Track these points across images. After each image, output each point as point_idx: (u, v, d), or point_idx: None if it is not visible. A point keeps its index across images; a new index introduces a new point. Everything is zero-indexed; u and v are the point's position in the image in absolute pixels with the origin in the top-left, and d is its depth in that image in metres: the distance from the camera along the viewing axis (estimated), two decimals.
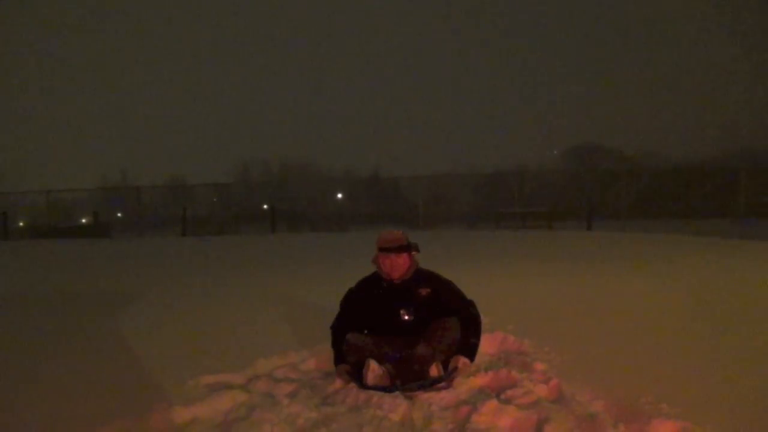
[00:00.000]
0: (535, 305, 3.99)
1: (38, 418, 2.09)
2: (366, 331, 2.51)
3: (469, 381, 2.38)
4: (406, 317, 2.48)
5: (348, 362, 2.40)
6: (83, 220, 23.14)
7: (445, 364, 2.36)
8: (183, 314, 4.02)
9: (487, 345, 2.88)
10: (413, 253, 2.56)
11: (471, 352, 2.44)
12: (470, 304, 2.61)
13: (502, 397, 2.16)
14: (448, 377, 2.28)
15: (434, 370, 2.29)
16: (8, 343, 3.26)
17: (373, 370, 2.27)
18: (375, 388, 2.23)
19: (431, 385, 2.26)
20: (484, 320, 2.77)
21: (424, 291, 2.51)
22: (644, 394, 2.14)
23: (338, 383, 2.37)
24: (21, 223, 20.18)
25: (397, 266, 2.50)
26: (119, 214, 23.77)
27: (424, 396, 2.19)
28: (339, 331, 2.53)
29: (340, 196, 24.52)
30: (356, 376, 2.33)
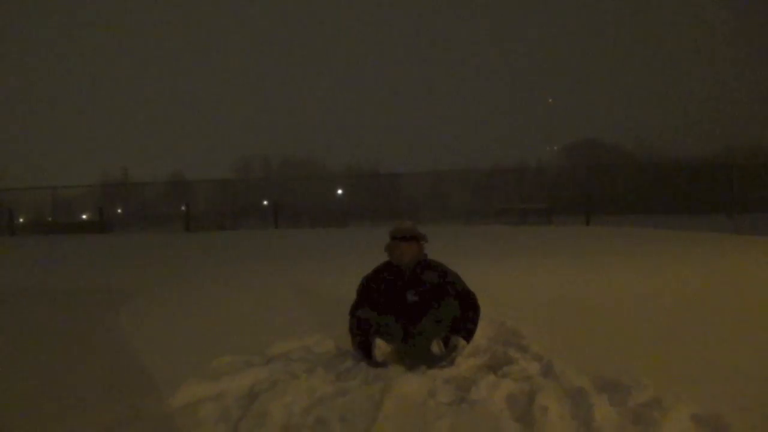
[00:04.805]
0: (532, 296, 4.23)
1: (86, 388, 2.32)
2: (377, 311, 2.74)
3: (470, 360, 2.62)
4: (411, 298, 2.72)
5: (356, 340, 2.64)
6: (83, 216, 23.36)
7: (445, 342, 2.59)
8: (201, 303, 4.26)
9: (486, 329, 3.11)
10: (421, 242, 2.82)
11: (468, 334, 2.68)
12: (471, 293, 2.85)
13: (499, 373, 2.40)
14: (449, 355, 2.52)
15: (435, 347, 2.53)
16: (46, 331, 3.49)
17: (380, 347, 2.51)
18: (384, 365, 2.46)
19: (435, 363, 2.50)
20: (485, 308, 3.00)
21: (429, 277, 2.76)
22: (627, 371, 2.36)
23: (350, 362, 2.61)
24: (21, 219, 20.43)
25: (406, 253, 2.75)
26: (119, 210, 23.99)
27: (429, 372, 2.42)
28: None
29: (340, 192, 24.75)
30: (365, 353, 2.57)
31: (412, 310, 2.71)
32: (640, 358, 2.59)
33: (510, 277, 5.16)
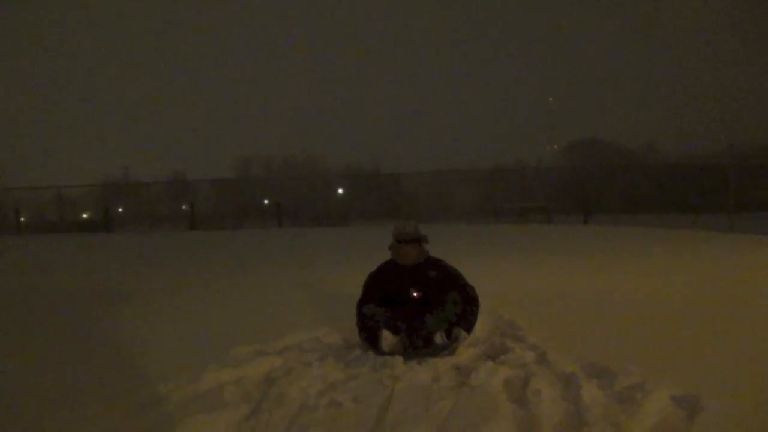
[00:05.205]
0: (529, 291, 4.42)
1: (111, 378, 2.51)
2: (382, 306, 2.93)
3: (470, 350, 2.82)
4: (415, 294, 2.92)
5: (364, 332, 2.83)
6: (84, 216, 23.52)
7: (447, 333, 2.78)
8: (213, 299, 4.47)
9: (485, 322, 3.30)
10: (423, 243, 3.01)
11: (469, 326, 2.87)
12: (470, 288, 3.05)
13: (497, 361, 2.59)
14: (450, 345, 2.71)
15: (438, 338, 2.72)
16: (72, 328, 3.69)
17: (386, 338, 2.70)
18: (390, 354, 2.65)
19: (438, 352, 2.69)
20: (485, 303, 3.20)
21: (431, 274, 2.95)
22: (616, 359, 2.55)
23: (358, 351, 2.80)
24: (22, 218, 20.58)
25: (410, 255, 2.95)
26: (120, 210, 24.18)
27: (432, 360, 2.62)
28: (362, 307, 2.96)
29: (341, 191, 24.95)
30: (373, 344, 2.76)
31: (415, 305, 2.90)
32: (630, 348, 2.78)
33: (509, 274, 5.35)
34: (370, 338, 2.79)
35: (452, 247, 7.93)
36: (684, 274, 5.17)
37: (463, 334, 2.82)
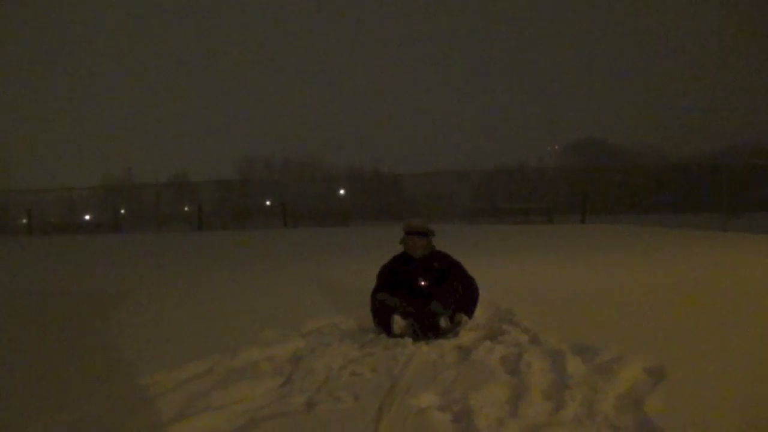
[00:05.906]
0: (526, 285, 4.79)
1: (148, 341, 2.87)
2: (393, 294, 3.30)
3: (471, 333, 3.18)
4: (423, 283, 3.28)
5: (377, 317, 3.20)
6: (86, 217, 23.85)
7: (451, 318, 3.15)
8: (237, 290, 4.86)
9: (485, 311, 3.66)
10: (430, 236, 3.39)
11: (470, 312, 3.24)
12: (471, 278, 3.42)
13: (494, 341, 2.95)
14: (454, 329, 3.08)
15: (443, 322, 3.08)
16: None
17: (398, 322, 3.07)
18: (401, 336, 3.02)
19: (443, 335, 3.06)
20: (485, 295, 3.56)
21: (437, 265, 3.32)
22: (599, 339, 2.90)
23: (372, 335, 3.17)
24: (24, 220, 20.86)
25: (418, 245, 3.32)
26: (122, 211, 24.54)
27: (438, 342, 2.99)
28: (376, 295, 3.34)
29: (342, 192, 25.31)
30: (385, 328, 3.12)
31: (423, 292, 3.27)
32: (612, 330, 3.13)
33: (507, 270, 5.71)
34: (382, 322, 3.16)
35: (453, 246, 8.27)
36: (666, 267, 5.54)
37: (465, 318, 3.18)
